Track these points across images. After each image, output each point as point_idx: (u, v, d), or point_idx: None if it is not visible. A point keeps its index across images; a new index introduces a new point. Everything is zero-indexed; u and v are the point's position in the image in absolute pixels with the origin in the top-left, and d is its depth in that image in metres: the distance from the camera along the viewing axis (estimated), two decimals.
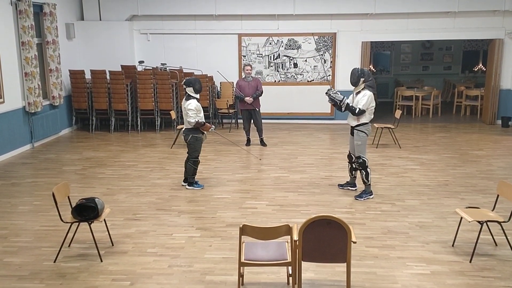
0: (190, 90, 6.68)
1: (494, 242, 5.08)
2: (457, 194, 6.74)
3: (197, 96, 6.75)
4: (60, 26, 10.62)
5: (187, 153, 7.00)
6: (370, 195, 6.54)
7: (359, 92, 6.31)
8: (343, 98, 6.39)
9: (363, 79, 6.24)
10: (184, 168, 7.10)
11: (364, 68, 6.38)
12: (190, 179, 7.00)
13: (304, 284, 4.23)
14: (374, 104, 6.33)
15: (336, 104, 6.43)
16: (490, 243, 5.08)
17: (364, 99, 6.22)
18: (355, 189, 6.81)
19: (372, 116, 6.41)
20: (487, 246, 5.03)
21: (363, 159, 6.43)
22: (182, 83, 6.79)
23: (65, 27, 10.98)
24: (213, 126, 7.04)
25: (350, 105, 6.34)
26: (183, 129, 6.94)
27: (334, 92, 6.46)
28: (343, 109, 6.40)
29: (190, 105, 6.62)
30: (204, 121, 6.79)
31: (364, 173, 6.44)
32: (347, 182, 6.97)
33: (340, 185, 7.01)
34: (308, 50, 11.81)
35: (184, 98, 6.81)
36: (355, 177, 6.83)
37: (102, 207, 4.86)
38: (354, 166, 6.73)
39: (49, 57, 10.08)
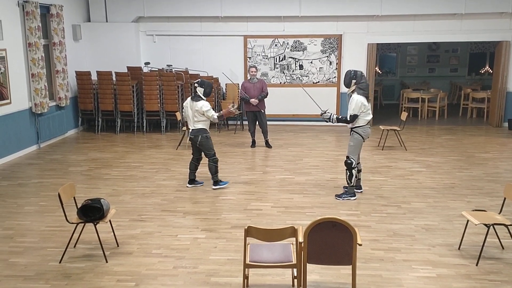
0: (200, 91, 6.74)
1: (501, 245, 5.05)
2: (464, 196, 6.70)
3: (204, 98, 6.81)
4: (67, 27, 10.68)
5: (192, 154, 7.04)
6: (351, 197, 6.55)
7: (351, 95, 6.38)
8: (330, 115, 6.51)
9: (355, 81, 6.31)
10: (189, 170, 7.11)
11: (358, 71, 6.42)
12: (214, 177, 7.03)
13: (309, 287, 4.22)
14: (367, 105, 6.27)
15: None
16: (496, 246, 5.05)
17: (353, 104, 6.25)
18: (361, 191, 6.79)
19: (368, 118, 6.37)
20: (494, 250, 5.00)
21: (351, 160, 6.44)
22: (196, 81, 6.83)
23: (71, 29, 11.04)
24: (230, 105, 7.10)
25: (340, 117, 6.46)
26: (190, 131, 6.89)
27: (327, 117, 6.56)
28: (335, 123, 6.58)
29: (204, 106, 6.70)
30: (219, 113, 6.91)
31: (349, 173, 6.46)
32: None
33: (345, 187, 6.99)
34: (314, 52, 11.80)
35: (189, 98, 6.82)
36: (360, 179, 6.81)
37: (108, 208, 4.87)
38: (359, 168, 6.72)
39: (55, 58, 10.13)
